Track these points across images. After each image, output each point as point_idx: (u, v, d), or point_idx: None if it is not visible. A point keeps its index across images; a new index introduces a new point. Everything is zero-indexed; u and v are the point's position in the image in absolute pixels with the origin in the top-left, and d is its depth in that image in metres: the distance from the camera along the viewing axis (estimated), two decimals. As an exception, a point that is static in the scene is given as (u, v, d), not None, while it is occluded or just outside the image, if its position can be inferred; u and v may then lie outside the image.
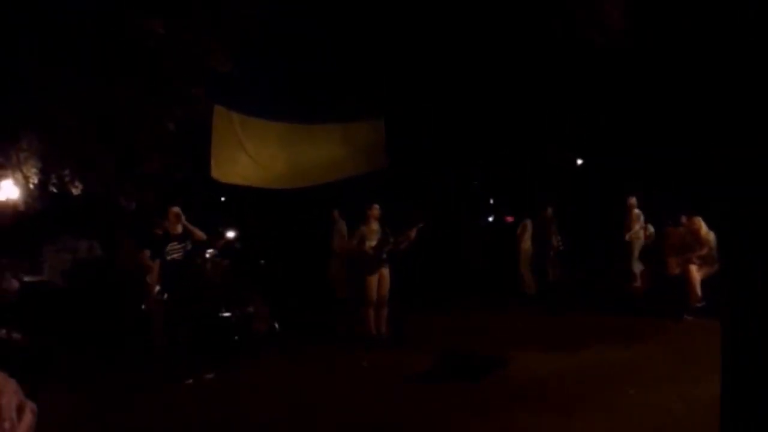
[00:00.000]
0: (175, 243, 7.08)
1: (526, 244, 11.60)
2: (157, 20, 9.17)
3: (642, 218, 11.22)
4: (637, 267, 11.07)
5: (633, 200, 11.26)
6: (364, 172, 8.62)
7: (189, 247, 7.14)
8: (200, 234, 7.24)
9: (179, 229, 7.09)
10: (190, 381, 6.54)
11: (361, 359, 7.13)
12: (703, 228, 8.87)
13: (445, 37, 11.65)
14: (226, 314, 8.40)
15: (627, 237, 11.15)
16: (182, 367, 6.71)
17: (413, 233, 8.05)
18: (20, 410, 1.05)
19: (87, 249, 11.98)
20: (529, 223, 11.74)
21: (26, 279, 10.44)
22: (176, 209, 7.12)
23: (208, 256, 9.09)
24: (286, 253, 12.36)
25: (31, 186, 9.93)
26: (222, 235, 10.20)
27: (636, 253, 11.13)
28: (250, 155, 8.17)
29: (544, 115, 12.64)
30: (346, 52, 12.46)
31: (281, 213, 13.46)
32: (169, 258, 7.03)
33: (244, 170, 8.22)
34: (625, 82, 11.49)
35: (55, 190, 10.11)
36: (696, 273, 8.67)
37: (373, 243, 7.93)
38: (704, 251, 8.77)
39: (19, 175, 9.83)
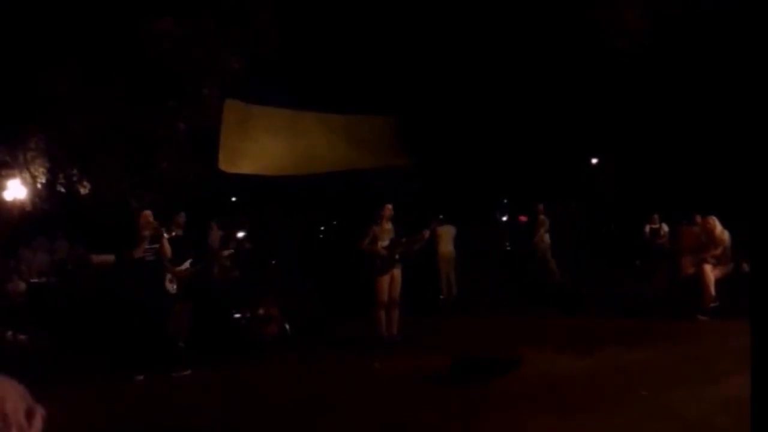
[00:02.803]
0: (146, 245, 7.11)
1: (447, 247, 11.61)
2: (167, 20, 9.14)
3: (547, 223, 12.47)
4: (553, 264, 12.41)
5: (541, 207, 12.52)
6: (372, 167, 8.53)
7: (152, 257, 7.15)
8: (167, 251, 7.21)
9: (147, 232, 7.12)
10: (188, 371, 6.68)
11: (372, 361, 7.07)
12: (718, 227, 8.79)
13: (461, 38, 11.61)
14: (236, 316, 8.37)
15: (534, 240, 12.27)
16: (179, 367, 6.80)
17: (426, 234, 7.98)
18: (30, 415, 1.01)
19: (67, 249, 11.91)
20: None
21: (32, 280, 10.43)
22: (148, 212, 7.19)
23: (226, 253, 9.05)
24: (298, 254, 12.31)
25: (39, 185, 9.91)
26: (233, 235, 10.13)
27: (547, 254, 12.42)
28: (258, 143, 8.12)
29: (558, 114, 12.59)
30: (364, 51, 12.38)
31: (292, 212, 13.37)
32: (137, 257, 7.06)
33: (251, 160, 8.17)
34: (644, 83, 11.44)
35: (62, 190, 10.07)
36: (710, 273, 8.58)
37: (386, 243, 7.85)
38: (718, 251, 8.69)
39: (26, 175, 9.81)
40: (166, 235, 7.12)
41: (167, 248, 7.15)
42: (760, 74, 1.70)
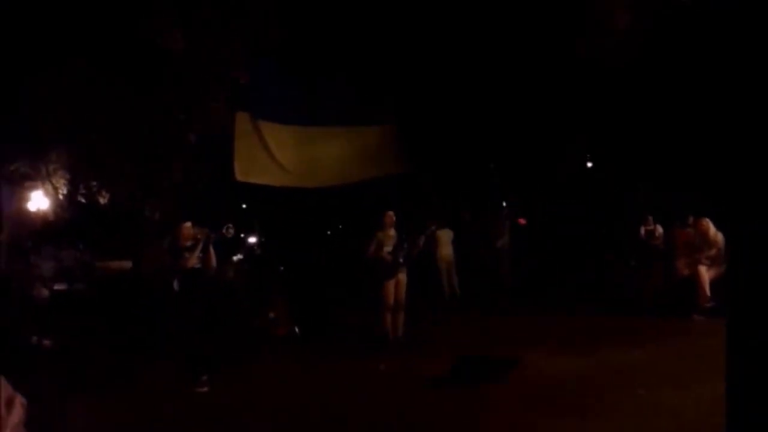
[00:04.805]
0: (198, 254, 7.17)
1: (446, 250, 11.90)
2: (177, 36, 9.39)
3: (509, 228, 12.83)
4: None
5: (506, 212, 13.15)
6: (375, 177, 8.77)
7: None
8: (213, 261, 7.27)
9: (189, 243, 7.19)
10: (206, 389, 6.63)
11: (378, 363, 7.31)
12: (712, 229, 8.98)
13: (460, 46, 11.81)
14: (247, 319, 8.69)
15: (499, 244, 12.38)
16: (198, 373, 6.77)
17: (422, 240, 8.32)
18: (9, 404, 1.09)
19: (73, 257, 12.19)
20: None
21: (56, 287, 10.77)
22: (188, 224, 7.26)
23: (235, 260, 9.31)
24: (306, 258, 12.56)
25: (60, 196, 10.27)
26: (244, 241, 10.44)
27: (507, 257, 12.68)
28: (270, 155, 8.38)
29: (555, 118, 12.81)
30: (362, 59, 12.59)
31: (301, 218, 13.66)
32: (190, 266, 7.13)
33: (265, 171, 8.41)
34: (636, 86, 11.64)
35: (83, 201, 10.42)
36: (705, 273, 8.79)
37: (389, 249, 8.18)
38: (713, 252, 8.89)
39: (48, 186, 10.20)
40: (227, 235, 7.26)
41: (213, 259, 7.25)
42: (753, 77, 1.67)
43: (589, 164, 15.68)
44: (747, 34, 1.69)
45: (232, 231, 7.55)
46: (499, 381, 6.14)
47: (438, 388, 6.24)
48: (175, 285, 7.12)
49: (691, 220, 9.69)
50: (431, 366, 6.86)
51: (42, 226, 11.35)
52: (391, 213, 8.30)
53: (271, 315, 8.64)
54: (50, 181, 10.32)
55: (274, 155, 8.37)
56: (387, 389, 6.39)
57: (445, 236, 11.75)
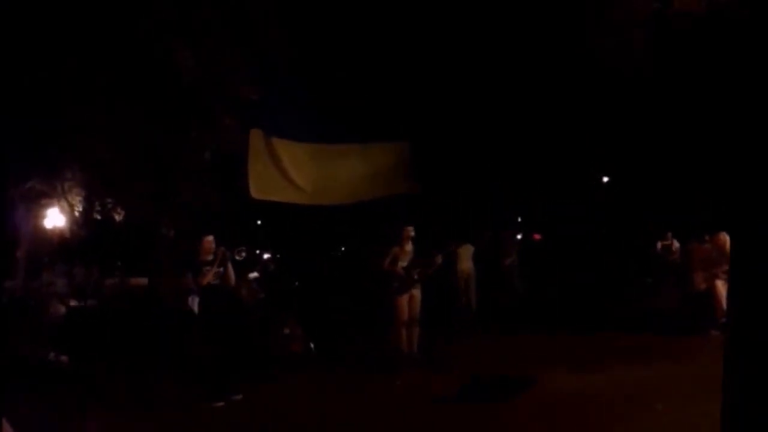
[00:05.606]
0: (215, 269, 7.16)
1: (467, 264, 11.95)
2: (187, 54, 9.47)
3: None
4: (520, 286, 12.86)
5: (511, 231, 13.27)
6: (385, 195, 8.77)
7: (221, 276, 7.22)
8: (231, 277, 7.29)
9: (209, 257, 7.18)
10: (222, 403, 6.64)
11: (393, 379, 7.34)
12: (728, 243, 8.95)
13: (470, 61, 11.89)
14: (262, 337, 8.71)
15: (507, 262, 12.52)
16: (215, 389, 6.80)
17: (439, 259, 8.31)
18: None
19: (84, 274, 12.35)
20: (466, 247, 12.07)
21: (72, 304, 10.88)
22: (210, 238, 7.24)
23: (251, 277, 9.35)
24: (320, 275, 12.59)
25: (76, 214, 10.40)
26: (260, 258, 10.50)
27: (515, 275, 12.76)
28: (284, 173, 8.41)
29: (569, 134, 12.84)
30: (371, 75, 12.65)
31: (314, 236, 13.71)
32: (206, 282, 7.13)
33: (279, 188, 8.43)
34: (648, 103, 11.66)
35: (98, 218, 10.54)
36: (722, 288, 8.75)
37: (405, 264, 8.16)
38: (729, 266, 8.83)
39: (64, 204, 10.34)
40: (238, 258, 7.32)
41: (232, 275, 7.25)
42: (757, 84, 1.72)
43: (605, 179, 15.65)
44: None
45: (244, 254, 7.55)
46: (513, 399, 6.14)
47: (452, 405, 6.25)
48: (194, 302, 7.14)
49: (707, 237, 9.61)
50: (445, 383, 6.89)
51: (58, 243, 11.56)
52: (409, 228, 8.29)
53: (286, 331, 8.65)
54: (66, 199, 10.48)
55: (288, 173, 8.39)
56: (402, 405, 6.42)
57: (465, 251, 11.78)
